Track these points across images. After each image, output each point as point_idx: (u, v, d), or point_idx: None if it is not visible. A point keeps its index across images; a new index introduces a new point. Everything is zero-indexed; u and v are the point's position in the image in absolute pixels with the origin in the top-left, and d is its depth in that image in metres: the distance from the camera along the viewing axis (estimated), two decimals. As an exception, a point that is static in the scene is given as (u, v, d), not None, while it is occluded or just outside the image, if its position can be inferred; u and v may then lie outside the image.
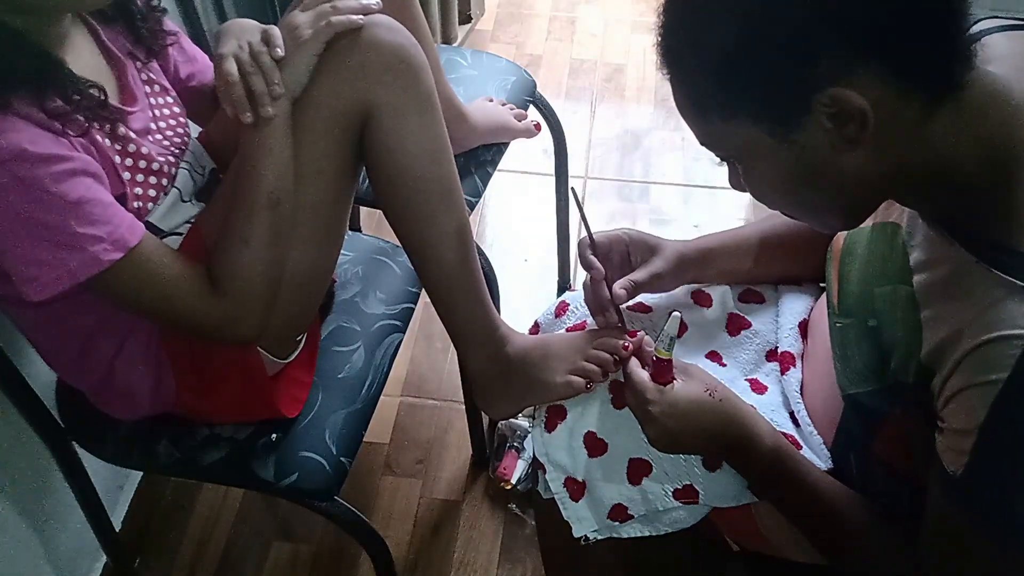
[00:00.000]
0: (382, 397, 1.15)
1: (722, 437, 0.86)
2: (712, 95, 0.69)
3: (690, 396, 0.86)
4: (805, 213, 0.76)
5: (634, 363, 0.90)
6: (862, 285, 0.82)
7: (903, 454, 0.79)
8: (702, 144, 0.74)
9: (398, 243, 1.11)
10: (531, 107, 1.58)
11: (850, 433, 0.87)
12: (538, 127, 1.51)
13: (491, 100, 1.48)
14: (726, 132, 0.70)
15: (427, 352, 1.78)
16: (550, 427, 0.97)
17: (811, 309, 1.03)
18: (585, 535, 0.92)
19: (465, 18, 2.54)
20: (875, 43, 0.62)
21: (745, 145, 0.70)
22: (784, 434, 0.91)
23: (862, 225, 0.81)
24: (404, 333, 1.21)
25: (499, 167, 1.48)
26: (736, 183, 0.78)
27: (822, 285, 1.08)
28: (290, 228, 0.96)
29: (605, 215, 2.08)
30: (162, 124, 1.02)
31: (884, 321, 0.77)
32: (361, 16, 0.94)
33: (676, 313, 0.87)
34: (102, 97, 0.89)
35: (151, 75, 1.03)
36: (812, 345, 0.98)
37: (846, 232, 0.88)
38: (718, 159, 0.76)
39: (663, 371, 0.87)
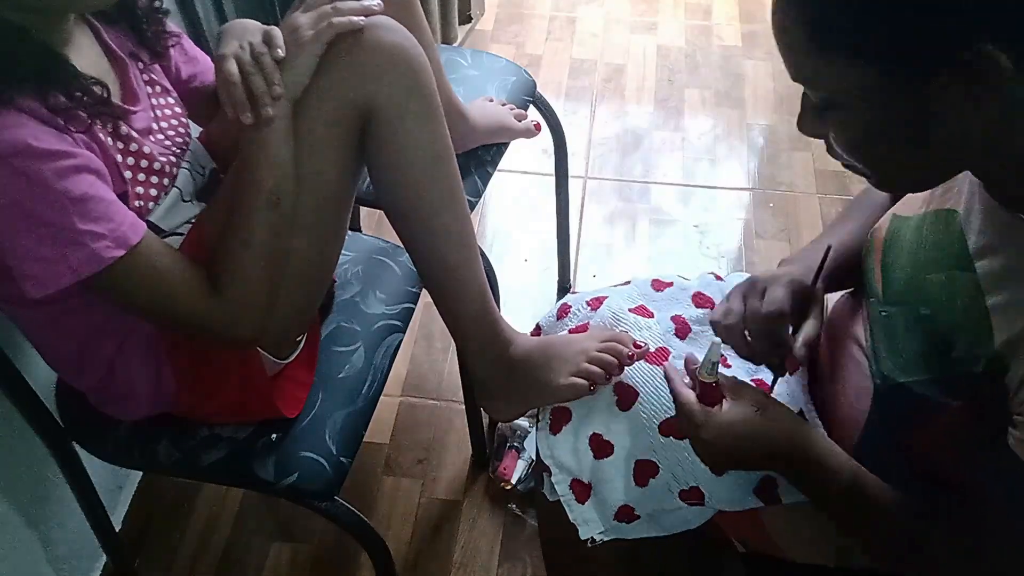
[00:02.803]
0: (382, 397, 1.15)
1: (778, 456, 0.83)
2: (846, 32, 0.63)
3: (739, 418, 0.83)
4: (888, 168, 0.72)
5: (679, 384, 0.88)
6: (911, 273, 0.80)
7: (947, 450, 0.77)
8: (799, 79, 0.70)
9: (398, 243, 1.11)
10: (531, 107, 1.58)
11: (885, 427, 0.84)
12: (538, 127, 1.50)
13: (491, 100, 1.48)
14: (844, 73, 0.65)
15: (427, 352, 1.78)
16: (555, 429, 0.97)
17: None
18: (591, 537, 0.92)
19: (465, 18, 2.54)
20: None
21: (861, 89, 0.65)
22: None
23: (909, 213, 0.80)
24: (404, 333, 1.21)
25: (499, 167, 1.48)
26: (811, 127, 0.73)
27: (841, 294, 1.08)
28: (290, 229, 0.96)
29: (605, 215, 2.08)
30: (164, 124, 1.02)
31: (939, 309, 0.76)
32: (362, 17, 0.94)
33: (716, 340, 0.86)
34: (105, 95, 0.89)
35: (153, 76, 1.03)
36: (832, 343, 0.97)
37: (888, 221, 0.86)
38: (811, 98, 0.71)
39: (710, 394, 0.85)
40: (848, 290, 1.00)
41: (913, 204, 0.85)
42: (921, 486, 0.81)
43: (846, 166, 0.75)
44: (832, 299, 0.98)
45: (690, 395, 0.86)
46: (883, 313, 0.84)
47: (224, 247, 0.94)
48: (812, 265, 0.92)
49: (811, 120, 0.73)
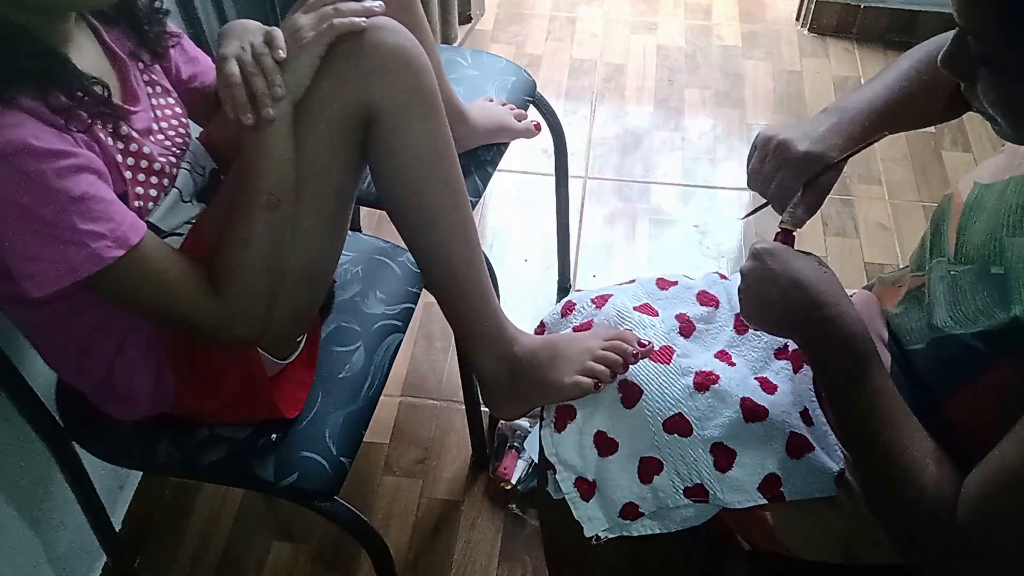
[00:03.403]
0: (382, 397, 1.15)
1: (824, 312, 0.82)
2: None
3: (809, 264, 0.85)
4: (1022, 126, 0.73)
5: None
6: (989, 234, 0.80)
7: (985, 411, 0.77)
8: (969, 30, 0.70)
9: (398, 243, 1.11)
10: (531, 107, 1.58)
11: (925, 388, 0.84)
12: (538, 127, 1.51)
13: (491, 100, 1.49)
14: (1020, 47, 0.66)
15: (427, 352, 1.78)
16: (560, 427, 0.97)
17: None
18: (596, 535, 0.92)
19: (465, 18, 2.54)
20: None
21: None
22: (795, 434, 0.91)
23: (992, 180, 0.82)
24: (404, 333, 1.21)
25: (499, 167, 1.48)
26: (958, 70, 0.73)
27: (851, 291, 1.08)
28: (290, 230, 0.97)
29: (605, 215, 2.08)
30: (164, 125, 1.02)
31: (1012, 269, 0.76)
32: (364, 18, 0.94)
33: (799, 191, 0.91)
34: (106, 95, 0.89)
35: (153, 76, 1.03)
36: None
37: (970, 186, 0.86)
38: (970, 46, 0.71)
39: (785, 239, 0.91)
40: (868, 286, 1.02)
41: (997, 171, 0.85)
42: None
43: (976, 110, 0.75)
44: (866, 299, 0.99)
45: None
46: (952, 273, 0.84)
47: (224, 247, 0.94)
48: (845, 135, 0.94)
49: (962, 64, 0.73)
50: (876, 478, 0.80)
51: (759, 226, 2.03)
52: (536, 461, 1.54)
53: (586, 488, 0.94)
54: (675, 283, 1.09)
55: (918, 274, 0.92)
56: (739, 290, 0.90)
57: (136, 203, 0.94)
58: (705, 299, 1.06)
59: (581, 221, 2.06)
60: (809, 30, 2.59)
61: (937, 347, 0.83)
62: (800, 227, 0.92)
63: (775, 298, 0.85)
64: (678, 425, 0.92)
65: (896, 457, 0.77)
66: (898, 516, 0.78)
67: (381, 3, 0.97)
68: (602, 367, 0.96)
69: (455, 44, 2.44)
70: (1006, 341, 0.75)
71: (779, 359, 1.02)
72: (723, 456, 0.91)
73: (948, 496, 0.74)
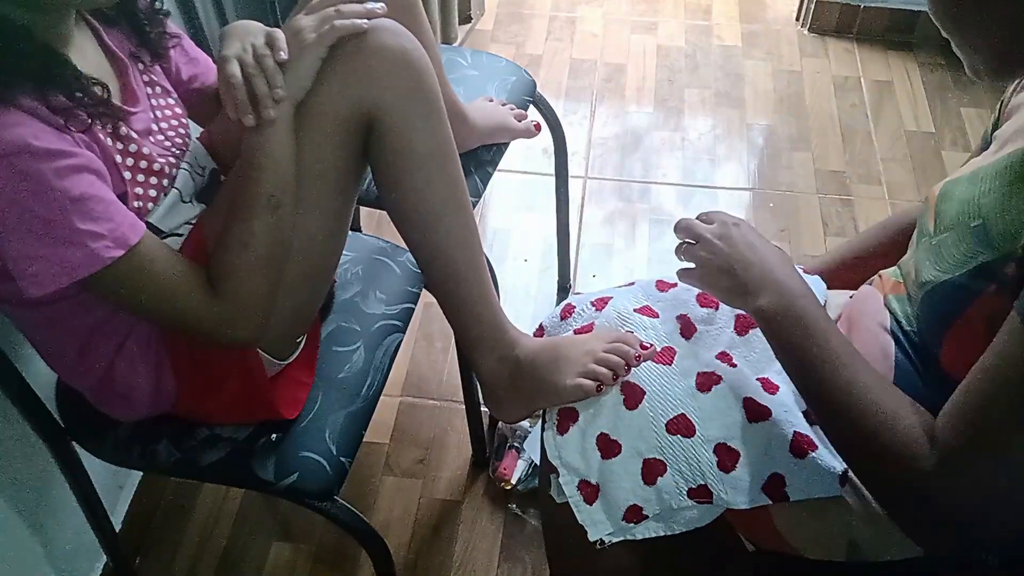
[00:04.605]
0: (382, 397, 1.15)
1: (782, 282, 0.89)
2: None
3: (770, 245, 0.94)
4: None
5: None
6: (965, 202, 0.84)
7: (976, 348, 0.78)
8: None
9: (398, 243, 1.11)
10: (531, 107, 1.58)
11: (923, 353, 0.88)
12: (538, 127, 1.51)
13: (491, 100, 1.49)
14: None
15: (427, 352, 1.78)
16: (562, 429, 0.97)
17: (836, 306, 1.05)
18: (600, 539, 0.92)
19: (465, 18, 2.54)
20: None
21: None
22: (798, 433, 0.91)
23: (959, 175, 0.88)
24: (404, 333, 1.21)
25: (499, 167, 1.48)
26: None
27: (848, 294, 1.11)
28: (291, 232, 0.96)
29: (605, 215, 2.08)
30: (164, 125, 1.02)
31: (990, 219, 0.79)
32: (365, 20, 0.94)
33: None
34: (105, 95, 0.89)
35: (153, 76, 1.03)
36: (854, 330, 0.99)
37: (942, 184, 0.91)
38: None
39: None
40: (870, 281, 1.05)
41: (964, 170, 0.90)
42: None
43: (956, 47, 0.80)
44: (866, 295, 1.01)
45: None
46: (933, 243, 0.87)
47: (223, 248, 0.94)
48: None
49: None
50: (844, 425, 0.83)
51: (759, 226, 2.02)
52: (536, 461, 1.54)
53: (589, 491, 0.93)
54: (674, 285, 1.09)
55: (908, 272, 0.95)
56: (698, 251, 0.96)
57: (135, 203, 0.94)
58: (705, 300, 1.06)
59: (581, 221, 2.06)
60: (809, 30, 2.59)
61: (926, 301, 0.87)
62: None
63: (735, 264, 0.92)
64: (681, 426, 0.92)
65: (861, 397, 0.80)
66: (872, 460, 0.80)
67: (383, 4, 0.97)
68: (604, 369, 0.96)
69: (455, 44, 2.44)
70: (989, 271, 0.79)
71: None
72: (726, 457, 0.91)
73: (920, 433, 0.77)
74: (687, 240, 0.98)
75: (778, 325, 0.87)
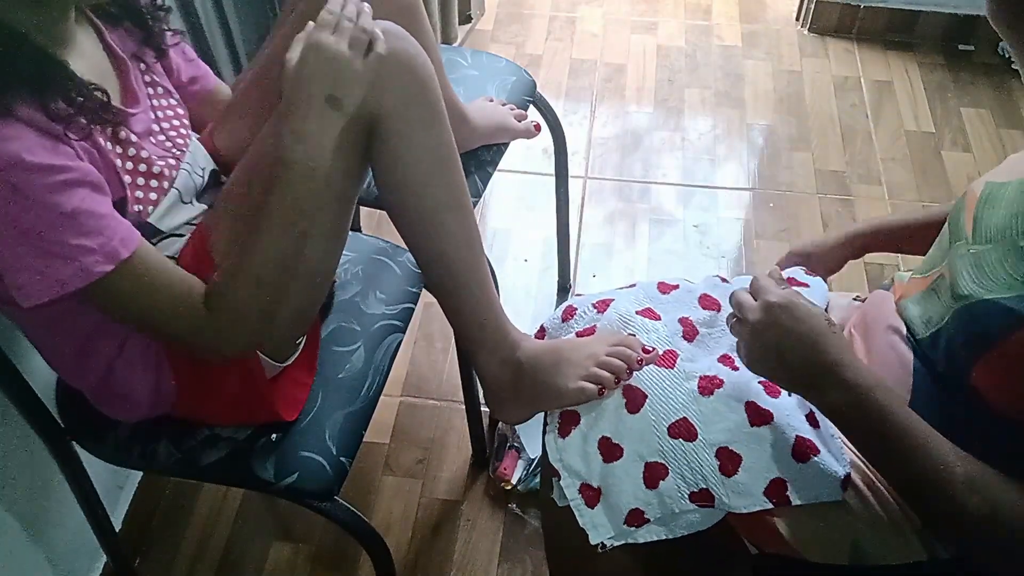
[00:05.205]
0: (382, 397, 1.15)
1: (836, 360, 0.82)
2: None
3: (815, 312, 0.85)
4: None
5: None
6: (1012, 216, 0.82)
7: (1016, 371, 0.77)
8: None
9: (398, 243, 1.11)
10: (531, 107, 1.58)
11: (947, 364, 0.85)
12: (538, 127, 1.50)
13: (491, 100, 1.48)
14: None
15: (427, 352, 1.78)
16: (564, 433, 0.96)
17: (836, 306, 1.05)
18: (601, 543, 0.92)
19: (465, 18, 2.54)
20: None
21: None
22: (800, 437, 0.91)
23: (1005, 180, 0.85)
24: (404, 333, 1.21)
25: (499, 167, 1.48)
26: None
27: (855, 297, 1.12)
28: (302, 258, 0.95)
29: (605, 215, 2.08)
30: (165, 125, 1.01)
31: None
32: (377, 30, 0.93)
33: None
34: (105, 99, 0.88)
35: (154, 76, 1.03)
36: (867, 336, 0.98)
37: (982, 185, 0.89)
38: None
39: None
40: (884, 285, 1.04)
41: (1012, 172, 0.87)
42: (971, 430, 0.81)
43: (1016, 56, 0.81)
44: (878, 301, 1.00)
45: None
46: (971, 251, 0.85)
47: (229, 271, 0.93)
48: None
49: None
50: (933, 505, 0.81)
51: (759, 226, 2.03)
52: (536, 461, 1.54)
53: (591, 495, 0.93)
54: (676, 287, 1.09)
55: (935, 270, 0.93)
56: (745, 337, 0.88)
57: (135, 207, 0.94)
58: (707, 303, 1.06)
59: (581, 221, 2.06)
60: (809, 30, 2.59)
61: (963, 315, 0.83)
62: None
63: (787, 355, 0.84)
64: (683, 430, 0.92)
65: (948, 483, 0.78)
66: (950, 527, 0.80)
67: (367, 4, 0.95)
68: (607, 373, 0.96)
69: (455, 44, 2.44)
70: None
71: None
72: (728, 460, 0.91)
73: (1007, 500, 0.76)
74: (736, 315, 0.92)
75: (851, 422, 0.84)
